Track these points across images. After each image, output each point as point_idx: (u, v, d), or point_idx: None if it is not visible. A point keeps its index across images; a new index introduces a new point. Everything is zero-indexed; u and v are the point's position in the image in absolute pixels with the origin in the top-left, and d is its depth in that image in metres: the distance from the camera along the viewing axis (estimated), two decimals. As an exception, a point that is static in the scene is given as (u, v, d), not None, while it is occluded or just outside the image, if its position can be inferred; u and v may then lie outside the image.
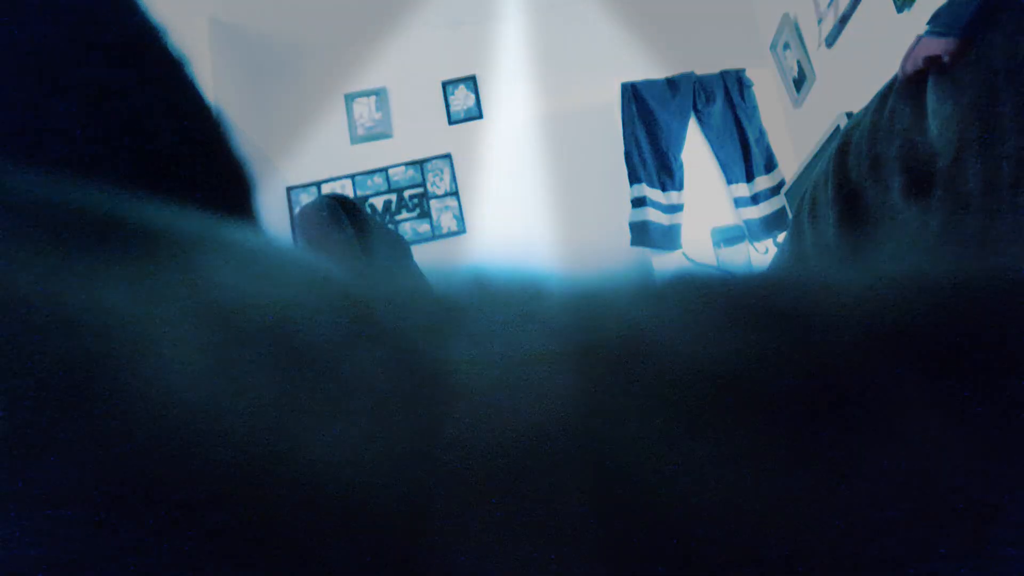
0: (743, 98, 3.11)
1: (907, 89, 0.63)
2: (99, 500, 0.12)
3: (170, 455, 0.12)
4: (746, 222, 2.96)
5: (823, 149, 2.28)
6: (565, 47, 3.50)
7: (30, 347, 0.13)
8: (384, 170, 3.38)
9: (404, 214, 3.33)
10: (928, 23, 0.66)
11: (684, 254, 2.91)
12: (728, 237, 2.89)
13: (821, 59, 2.72)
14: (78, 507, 0.12)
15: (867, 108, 0.68)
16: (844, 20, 2.47)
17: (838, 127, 2.23)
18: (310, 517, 0.12)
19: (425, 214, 3.33)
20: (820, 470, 0.14)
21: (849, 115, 2.24)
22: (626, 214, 2.97)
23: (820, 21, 2.64)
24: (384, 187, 3.37)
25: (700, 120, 3.08)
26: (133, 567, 0.11)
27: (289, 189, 3.36)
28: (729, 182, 3.02)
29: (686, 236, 2.94)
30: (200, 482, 0.12)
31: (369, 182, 3.37)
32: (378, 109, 3.49)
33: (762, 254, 2.87)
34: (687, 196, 2.98)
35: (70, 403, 0.13)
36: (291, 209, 3.32)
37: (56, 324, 0.13)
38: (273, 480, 0.12)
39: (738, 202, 2.99)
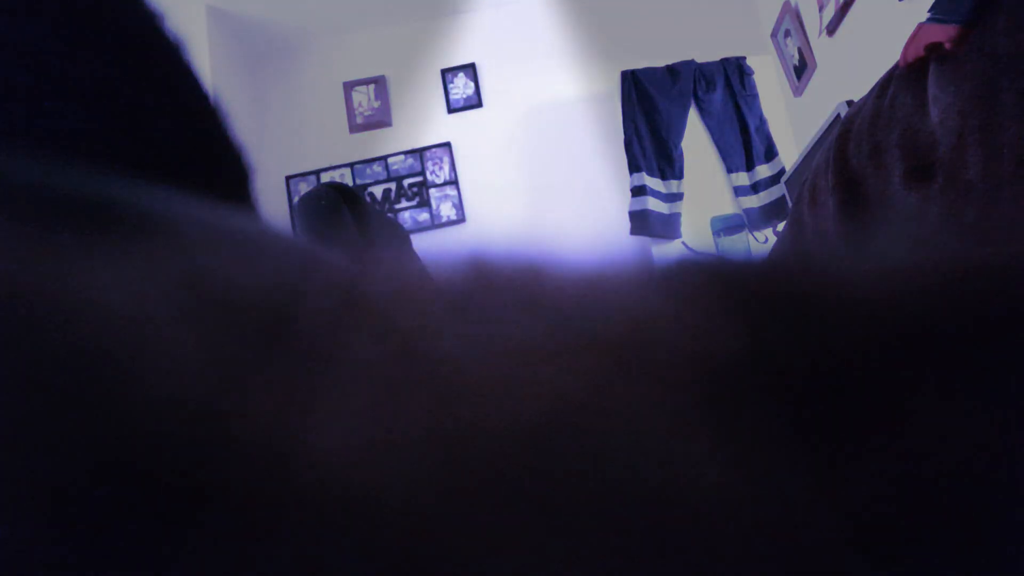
0: (743, 86, 3.10)
1: (908, 76, 0.63)
2: (99, 499, 0.12)
3: (168, 452, 0.12)
4: (746, 211, 2.95)
5: (824, 137, 2.27)
6: (565, 34, 3.48)
7: (24, 339, 0.13)
8: (383, 159, 3.38)
9: (403, 203, 3.33)
10: (930, 10, 0.66)
11: (684, 243, 2.91)
12: (728, 226, 2.88)
13: (822, 47, 2.71)
14: (76, 506, 0.12)
15: (868, 96, 0.68)
16: (845, 8, 2.46)
17: (839, 115, 2.22)
18: (310, 513, 0.12)
19: (424, 203, 3.32)
20: (821, 467, 0.14)
21: (850, 103, 2.23)
22: (626, 203, 2.96)
23: (821, 8, 2.63)
24: (383, 176, 3.36)
25: (700, 108, 3.07)
26: (133, 567, 0.11)
27: (288, 178, 3.35)
28: (729, 171, 3.01)
29: (685, 225, 2.94)
30: (199, 479, 0.12)
31: (368, 171, 3.36)
32: (377, 97, 3.47)
33: (762, 243, 2.86)
34: (687, 185, 2.98)
35: (66, 399, 0.12)
36: (290, 198, 3.31)
37: (51, 316, 0.13)
38: (273, 476, 0.12)
39: (738, 191, 2.99)
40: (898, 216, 0.55)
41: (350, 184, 3.30)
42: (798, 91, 2.98)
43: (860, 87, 0.80)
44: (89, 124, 0.22)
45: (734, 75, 3.11)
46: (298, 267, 0.19)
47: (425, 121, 3.44)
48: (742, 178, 3.00)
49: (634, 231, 2.89)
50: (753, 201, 2.96)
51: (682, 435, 0.14)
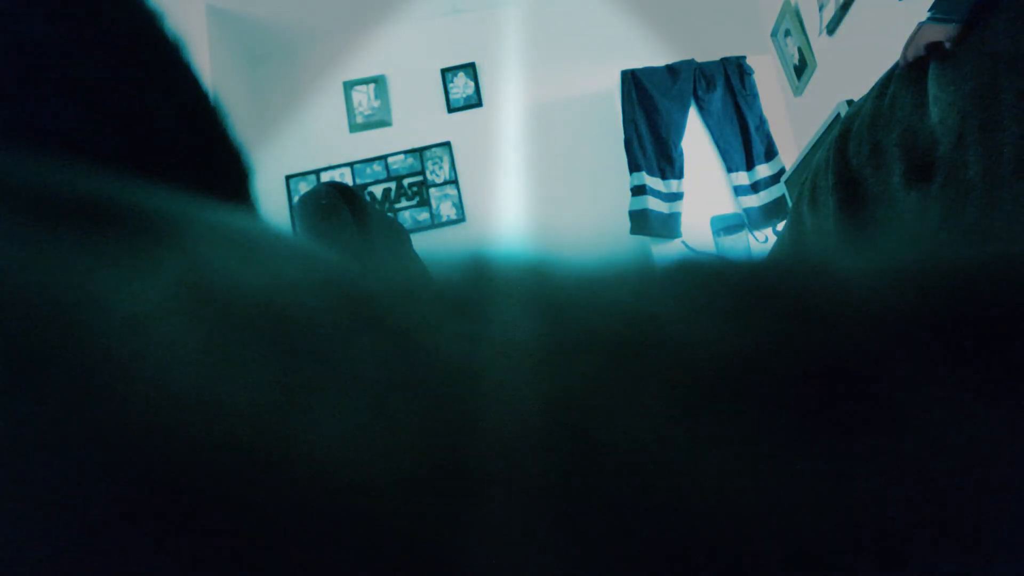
0: (744, 85, 3.10)
1: (908, 76, 0.63)
2: (99, 499, 0.12)
3: (168, 452, 0.12)
4: (746, 210, 2.95)
5: (824, 137, 2.27)
6: (565, 34, 3.48)
7: (24, 340, 0.13)
8: (383, 158, 3.38)
9: (403, 202, 3.33)
10: (930, 9, 0.66)
11: (684, 242, 2.91)
12: (728, 226, 2.88)
13: (822, 46, 2.71)
14: (76, 507, 0.12)
15: (868, 95, 0.68)
16: (845, 7, 2.45)
17: (839, 115, 2.22)
18: (310, 513, 0.12)
19: (424, 202, 3.32)
20: (822, 467, 0.14)
21: (850, 103, 2.23)
22: (625, 202, 2.96)
23: (821, 8, 2.63)
24: (383, 175, 3.36)
25: (700, 107, 3.08)
26: (132, 567, 0.11)
27: (288, 177, 3.35)
28: (729, 170, 3.02)
29: (685, 225, 2.94)
30: (199, 480, 0.12)
31: (368, 170, 3.36)
32: (377, 97, 3.47)
33: (761, 243, 2.86)
34: (687, 184, 2.98)
35: (66, 399, 0.12)
36: (290, 197, 3.31)
37: (52, 316, 0.13)
38: (273, 476, 0.12)
39: (738, 190, 2.99)
40: (898, 216, 0.55)
41: (350, 184, 3.30)
42: (798, 90, 2.98)
43: (860, 86, 0.80)
44: (89, 124, 0.22)
45: (734, 74, 3.11)
46: (298, 266, 0.19)
47: (425, 120, 3.44)
48: (742, 177, 3.00)
49: (634, 231, 2.89)
50: (753, 200, 2.96)
51: (683, 436, 0.14)
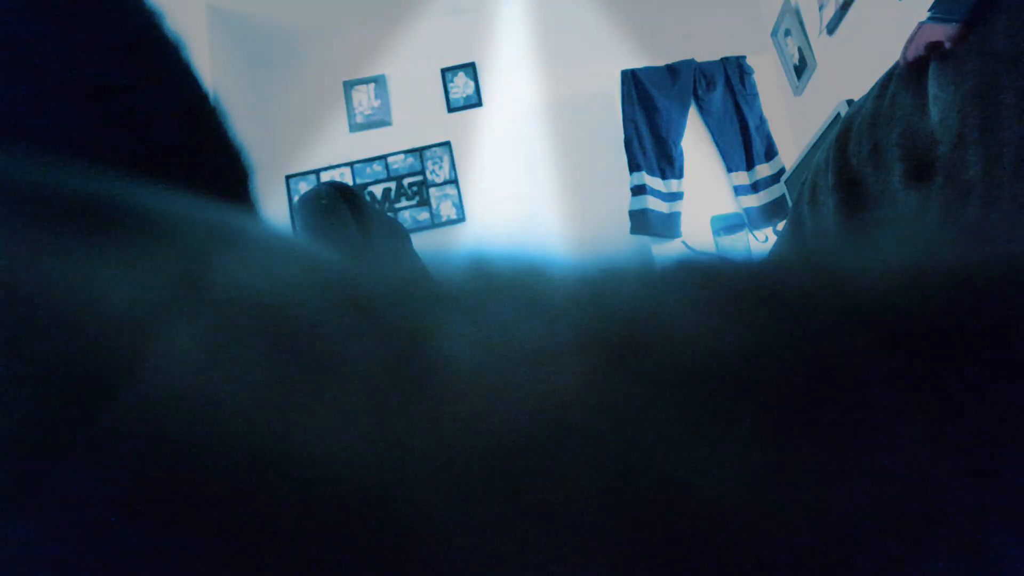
0: (743, 85, 3.10)
1: (908, 75, 0.63)
2: (100, 500, 0.12)
3: (169, 452, 0.12)
4: (746, 210, 2.95)
5: (824, 137, 2.27)
6: (565, 33, 3.48)
7: (28, 343, 0.13)
8: (383, 158, 3.38)
9: (403, 202, 3.33)
10: (930, 9, 0.66)
11: (684, 242, 2.91)
12: (728, 225, 2.89)
13: (822, 46, 2.71)
14: (79, 507, 0.12)
15: (868, 95, 0.68)
16: (845, 7, 2.45)
17: (839, 114, 2.22)
18: (310, 513, 0.12)
19: (424, 202, 3.32)
20: (821, 467, 0.14)
21: (850, 102, 2.23)
22: (626, 202, 2.96)
23: (821, 8, 2.63)
24: (383, 175, 3.36)
25: (700, 107, 3.08)
26: (134, 567, 0.11)
27: (288, 177, 3.35)
28: (729, 170, 3.02)
29: (685, 224, 2.94)
30: (199, 479, 0.12)
31: (368, 170, 3.36)
32: (377, 97, 3.47)
33: (761, 243, 2.86)
34: (687, 184, 2.98)
35: (69, 401, 0.12)
36: (290, 197, 3.31)
37: (55, 319, 0.13)
38: (273, 476, 0.12)
39: (738, 190, 2.99)
40: (898, 215, 0.55)
41: (350, 183, 3.30)
42: (798, 90, 2.98)
43: (860, 86, 0.80)
44: (89, 124, 0.22)
45: (734, 74, 3.11)
46: (298, 266, 0.19)
47: (425, 120, 3.45)
48: (742, 177, 3.00)
49: (634, 230, 2.89)
50: (753, 200, 2.96)
51: (682, 434, 0.14)
